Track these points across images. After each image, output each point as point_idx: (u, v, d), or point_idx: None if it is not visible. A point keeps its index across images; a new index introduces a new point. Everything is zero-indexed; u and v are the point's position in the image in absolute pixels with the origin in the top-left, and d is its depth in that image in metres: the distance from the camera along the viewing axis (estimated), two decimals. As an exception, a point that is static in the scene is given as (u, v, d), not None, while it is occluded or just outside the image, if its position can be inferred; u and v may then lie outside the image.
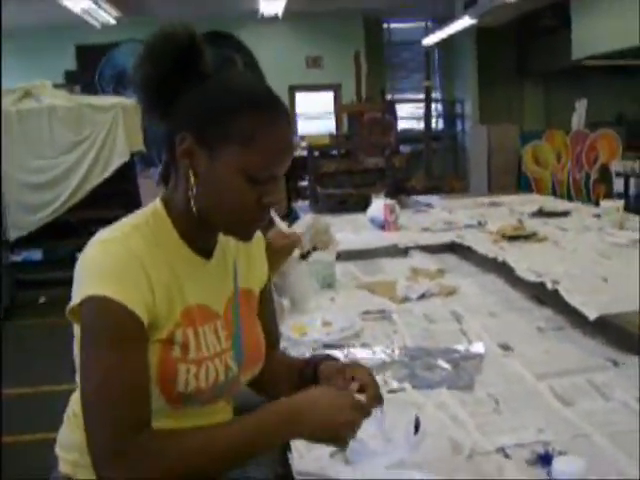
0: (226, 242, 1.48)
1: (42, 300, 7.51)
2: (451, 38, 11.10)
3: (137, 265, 1.27)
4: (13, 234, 7.51)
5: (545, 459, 1.43)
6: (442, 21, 10.91)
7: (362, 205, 4.48)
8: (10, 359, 5.78)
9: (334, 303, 2.77)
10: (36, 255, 8.56)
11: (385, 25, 12.58)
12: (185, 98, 1.32)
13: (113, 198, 7.89)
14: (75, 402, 1.45)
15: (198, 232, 1.39)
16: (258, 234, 1.56)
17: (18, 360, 5.76)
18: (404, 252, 3.56)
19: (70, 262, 5.73)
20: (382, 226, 4.09)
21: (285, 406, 1.29)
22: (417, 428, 1.48)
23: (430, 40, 11.44)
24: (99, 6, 9.58)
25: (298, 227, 2.72)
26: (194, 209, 1.33)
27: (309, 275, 2.73)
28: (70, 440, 1.46)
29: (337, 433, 1.27)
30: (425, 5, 11.06)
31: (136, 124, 7.77)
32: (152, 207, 1.39)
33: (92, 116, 7.70)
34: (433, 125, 12.03)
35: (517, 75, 11.52)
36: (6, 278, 7.04)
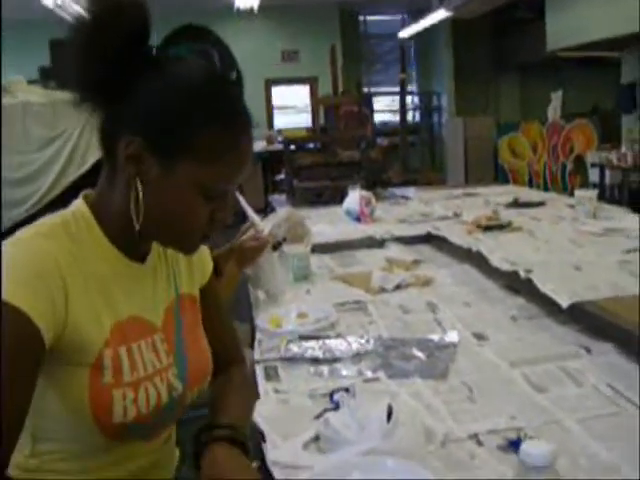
0: (156, 247, 1.37)
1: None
2: (427, 31, 11.11)
3: (52, 272, 1.12)
4: (-9, 230, 7.45)
5: (516, 445, 1.44)
6: (418, 14, 10.93)
7: (338, 198, 4.49)
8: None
9: (310, 295, 2.77)
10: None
11: (361, 18, 12.58)
12: (135, 91, 1.16)
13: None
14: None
15: (132, 238, 1.25)
16: None
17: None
18: (380, 244, 3.57)
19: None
20: (358, 218, 4.10)
21: None
22: (390, 416, 1.49)
23: (406, 33, 11.45)
24: (73, 1, 9.52)
25: (273, 219, 2.73)
26: (136, 219, 1.19)
27: (284, 267, 2.74)
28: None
29: None
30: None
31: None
32: (72, 208, 1.27)
33: (68, 111, 7.62)
34: (410, 118, 12.08)
35: (493, 67, 11.57)
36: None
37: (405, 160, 10.07)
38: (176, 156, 1.16)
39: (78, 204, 1.27)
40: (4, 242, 1.15)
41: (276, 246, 2.70)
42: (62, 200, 5.25)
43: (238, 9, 10.77)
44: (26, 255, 1.12)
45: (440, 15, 9.78)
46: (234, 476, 1.22)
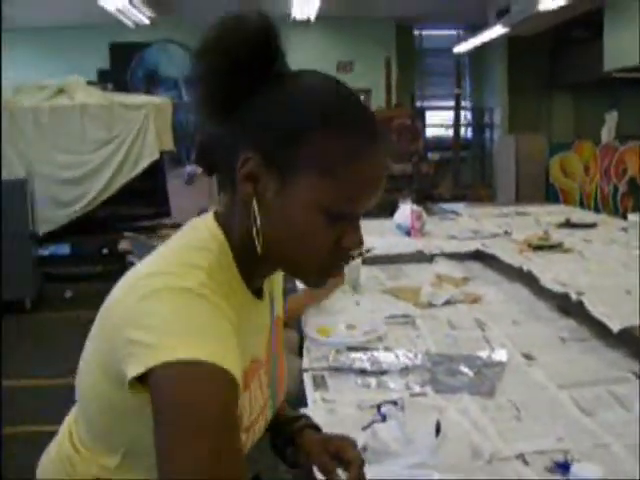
0: None
1: (68, 294, 7.59)
2: (482, 46, 11.09)
3: (224, 320, 1.00)
4: (42, 228, 7.59)
5: (564, 467, 1.45)
6: (474, 29, 10.91)
7: (388, 210, 4.50)
8: (35, 351, 5.88)
9: (359, 306, 2.80)
10: (63, 250, 8.65)
11: (417, 32, 12.59)
12: (254, 104, 1.05)
13: (141, 196, 8.01)
14: (70, 445, 1.19)
15: (256, 269, 1.13)
16: None
17: (43, 352, 5.85)
18: (429, 259, 3.58)
19: (96, 257, 5.88)
20: (408, 232, 4.11)
21: None
22: (438, 431, 1.51)
23: (461, 48, 11.43)
24: (134, 6, 9.68)
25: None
26: (258, 247, 1.06)
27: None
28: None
29: None
30: (457, 13, 11.06)
31: (167, 123, 7.88)
32: (206, 233, 1.10)
33: (123, 114, 7.79)
34: (462, 133, 12.02)
35: (547, 85, 11.46)
36: (34, 272, 7.13)
37: (456, 176, 10.05)
38: (294, 172, 1.02)
39: (211, 226, 1.11)
40: (155, 270, 1.03)
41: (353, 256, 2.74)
42: (113, 202, 5.39)
43: (294, 19, 10.86)
44: (198, 298, 0.98)
45: (497, 32, 9.76)
46: (340, 441, 1.30)
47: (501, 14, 9.54)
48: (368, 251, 3.05)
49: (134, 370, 0.94)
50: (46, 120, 7.71)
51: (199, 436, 0.90)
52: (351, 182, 1.01)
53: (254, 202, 1.03)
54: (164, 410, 0.93)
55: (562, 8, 7.99)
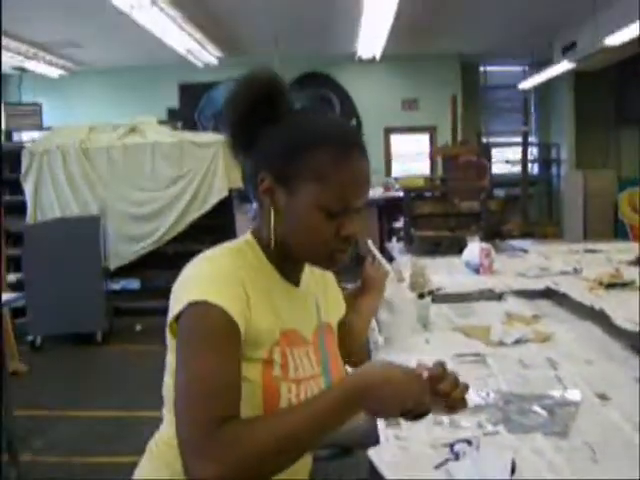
0: (306, 278, 1.54)
1: (138, 328, 7.74)
2: (548, 81, 11.05)
3: (238, 280, 1.32)
4: (113, 263, 7.77)
5: (642, 509, 1.44)
6: (539, 64, 10.89)
7: (456, 248, 4.51)
8: (104, 382, 6.00)
9: (428, 344, 2.80)
10: (133, 284, 8.83)
11: (482, 68, 12.61)
12: (264, 137, 1.39)
13: (210, 232, 8.11)
14: (161, 442, 1.45)
15: (286, 262, 1.45)
16: (329, 274, 1.65)
17: (112, 384, 5.97)
18: (498, 296, 3.57)
19: (165, 292, 5.91)
20: (477, 270, 4.11)
21: (349, 383, 1.22)
22: (513, 471, 1.51)
23: (527, 84, 11.40)
24: (203, 47, 9.93)
25: (399, 266, 2.79)
26: (272, 243, 1.39)
27: (414, 316, 2.79)
28: (157, 478, 1.43)
29: (403, 406, 1.22)
30: (522, 49, 11.06)
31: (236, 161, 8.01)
32: (244, 238, 1.46)
33: (193, 152, 7.96)
34: (528, 169, 11.95)
35: (615, 120, 11.34)
36: (105, 306, 7.29)
37: (525, 212, 9.97)
38: (296, 183, 1.35)
39: (247, 235, 1.47)
40: (200, 257, 1.38)
41: (422, 295, 2.77)
42: (182, 238, 5.51)
43: (360, 58, 10.99)
44: (221, 267, 1.33)
45: (563, 67, 9.72)
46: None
47: (567, 49, 9.52)
48: (439, 290, 3.07)
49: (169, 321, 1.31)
50: (119, 158, 7.93)
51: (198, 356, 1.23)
52: (339, 184, 1.33)
53: (271, 210, 1.37)
54: (180, 338, 1.27)
55: (628, 43, 7.93)
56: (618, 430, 1.88)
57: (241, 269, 1.35)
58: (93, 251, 7.20)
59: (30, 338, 7.09)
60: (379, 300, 2.65)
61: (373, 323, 2.76)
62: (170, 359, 1.36)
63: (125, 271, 8.12)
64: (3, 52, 9.61)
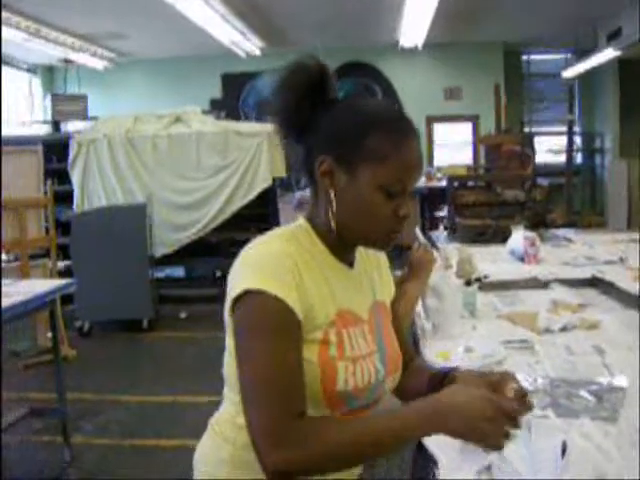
0: (360, 257, 1.57)
1: (183, 315, 7.85)
2: (592, 70, 10.94)
3: (292, 264, 1.35)
4: (158, 251, 7.88)
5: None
6: (583, 53, 10.79)
7: (500, 237, 4.53)
8: (151, 368, 6.11)
9: (475, 331, 2.84)
10: (178, 272, 8.95)
11: (525, 57, 12.52)
12: (319, 122, 1.42)
13: (253, 221, 8.20)
14: (223, 420, 1.52)
15: (340, 244, 1.48)
16: (383, 256, 1.67)
17: (158, 369, 6.08)
18: (544, 285, 3.59)
19: (209, 280, 6.13)
20: (522, 258, 4.13)
21: (428, 403, 1.28)
22: (564, 452, 1.55)
23: (570, 72, 11.30)
24: (246, 37, 10.00)
25: (445, 253, 2.82)
26: (332, 224, 1.42)
27: (460, 303, 2.83)
28: (218, 457, 1.50)
29: (481, 433, 1.24)
30: (566, 37, 10.96)
31: (279, 150, 8.05)
32: (296, 224, 1.50)
33: (238, 142, 8.03)
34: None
35: (660, 108, 11.19)
36: (151, 293, 7.40)
37: (569, 202, 9.91)
38: (358, 164, 1.38)
39: (301, 220, 1.50)
40: (255, 242, 1.42)
41: (469, 281, 2.81)
42: (227, 227, 5.58)
43: (402, 47, 10.98)
44: (276, 253, 1.36)
45: (607, 55, 9.63)
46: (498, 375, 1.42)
47: (611, 37, 9.42)
48: (486, 277, 3.10)
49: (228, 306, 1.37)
50: (164, 147, 8.04)
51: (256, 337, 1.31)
52: (399, 165, 1.37)
53: (330, 191, 1.41)
54: (240, 327, 1.34)
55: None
56: (666, 415, 1.91)
57: (296, 253, 1.38)
58: (139, 239, 7.30)
59: (78, 324, 7.23)
60: (425, 285, 2.69)
61: (419, 309, 2.81)
62: (229, 340, 1.44)
63: (169, 259, 8.23)
64: (50, 45, 9.77)
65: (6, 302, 3.65)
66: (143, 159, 8.07)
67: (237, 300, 1.33)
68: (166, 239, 8.00)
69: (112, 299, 7.11)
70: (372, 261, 1.62)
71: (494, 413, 1.23)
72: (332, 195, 1.41)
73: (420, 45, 10.77)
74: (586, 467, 1.61)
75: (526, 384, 2.17)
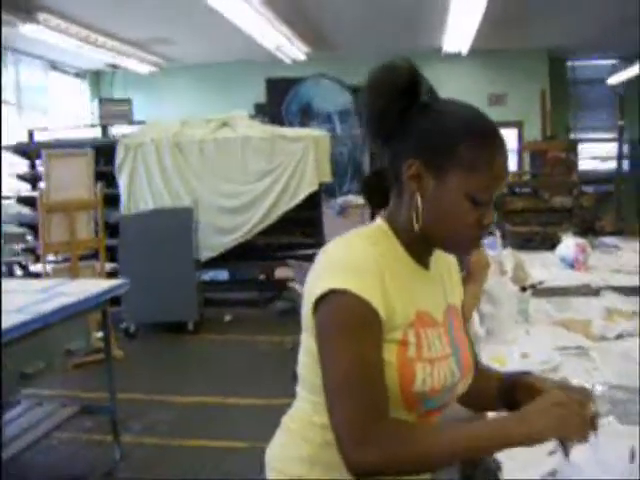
0: (434, 262, 1.56)
1: (228, 318, 7.91)
2: (638, 76, 10.83)
3: (377, 267, 1.36)
4: (204, 255, 7.94)
5: None
6: (629, 59, 10.68)
7: (549, 243, 4.51)
8: (197, 370, 6.18)
9: (529, 336, 2.84)
10: (222, 275, 9.01)
11: (570, 63, 12.43)
12: (411, 126, 1.41)
13: (299, 225, 8.24)
14: (299, 418, 1.51)
15: (419, 246, 1.48)
16: (452, 259, 1.66)
17: (204, 371, 6.14)
18: (596, 292, 3.57)
19: (253, 284, 6.15)
20: (572, 265, 4.11)
21: (515, 412, 1.32)
22: (632, 457, 1.55)
23: (616, 79, 11.20)
24: (291, 43, 10.06)
25: (500, 259, 2.84)
26: (416, 227, 1.41)
27: (515, 308, 2.83)
28: (295, 455, 1.49)
29: (568, 425, 1.26)
30: (612, 43, 10.86)
31: (325, 155, 8.10)
32: (375, 225, 1.49)
33: (284, 146, 8.07)
34: (616, 166, 11.76)
35: None
36: (197, 296, 7.47)
37: (619, 209, 9.80)
38: (448, 171, 1.38)
39: (378, 222, 1.50)
40: (330, 244, 1.45)
41: (525, 288, 2.81)
42: (271, 231, 5.60)
43: (446, 52, 10.97)
44: (360, 254, 1.38)
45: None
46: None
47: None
48: (540, 283, 3.10)
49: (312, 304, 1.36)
50: (211, 151, 8.10)
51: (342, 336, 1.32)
52: (489, 175, 1.38)
53: (417, 195, 1.41)
54: (323, 326, 1.35)
55: None
56: None
57: (378, 254, 1.39)
58: (186, 242, 7.38)
59: (124, 325, 7.32)
60: (481, 289, 2.71)
61: (474, 315, 2.82)
62: (308, 340, 1.43)
63: (214, 262, 8.28)
64: (99, 50, 9.91)
65: (61, 301, 3.73)
66: (190, 163, 8.13)
67: (321, 299, 1.33)
68: (211, 242, 8.03)
69: (158, 301, 7.18)
70: (444, 263, 1.62)
71: (577, 407, 1.28)
72: (419, 198, 1.41)
73: (464, 51, 10.74)
74: (651, 473, 1.61)
75: (584, 390, 2.17)
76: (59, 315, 3.58)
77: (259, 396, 5.33)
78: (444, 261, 1.63)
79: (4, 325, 3.19)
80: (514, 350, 2.58)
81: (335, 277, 1.33)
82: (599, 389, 2.18)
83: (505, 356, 2.52)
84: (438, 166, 1.39)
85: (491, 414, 1.64)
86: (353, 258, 1.37)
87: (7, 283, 4.26)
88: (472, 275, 2.59)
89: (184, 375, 6.08)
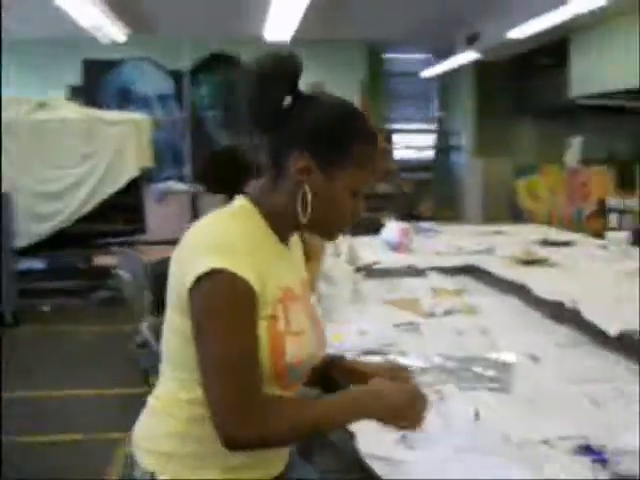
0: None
1: (46, 308, 7.63)
2: (450, 71, 11.36)
3: (247, 243, 1.40)
4: (20, 242, 7.60)
5: (587, 449, 1.62)
6: (442, 54, 11.18)
7: (374, 228, 4.67)
8: (15, 364, 5.92)
9: (364, 316, 2.95)
10: (39, 264, 8.66)
11: (387, 55, 12.83)
12: (294, 116, 1.45)
13: (117, 212, 8.05)
14: (163, 396, 1.51)
15: (284, 227, 1.52)
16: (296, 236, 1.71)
17: (27, 364, 5.90)
18: (420, 273, 3.75)
19: (72, 272, 5.95)
20: (395, 248, 4.29)
21: (360, 392, 1.47)
22: (476, 416, 1.67)
23: (430, 72, 11.71)
24: (110, 22, 9.75)
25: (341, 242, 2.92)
26: (303, 218, 1.46)
27: (351, 288, 2.93)
28: (163, 431, 1.49)
29: (404, 418, 1.43)
30: (427, 38, 11.31)
31: (146, 140, 7.97)
32: (237, 204, 1.51)
33: (104, 130, 7.87)
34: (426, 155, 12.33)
35: (514, 110, 11.75)
36: (11, 286, 7.15)
37: (435, 196, 10.25)
38: (337, 167, 1.45)
39: (241, 202, 1.51)
40: (198, 223, 1.46)
41: (360, 268, 2.90)
42: (90, 217, 5.44)
43: (266, 41, 11.03)
44: (232, 232, 1.41)
45: (466, 57, 10.04)
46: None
47: (470, 40, 9.82)
48: (375, 264, 3.20)
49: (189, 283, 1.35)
50: (26, 134, 7.75)
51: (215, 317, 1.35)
52: (372, 171, 1.49)
53: (306, 187, 1.45)
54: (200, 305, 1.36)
55: (530, 36, 8.28)
56: (553, 385, 2.08)
57: (248, 232, 1.43)
58: (1, 229, 7.04)
59: None
60: (318, 268, 2.79)
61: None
62: (178, 318, 1.43)
63: (31, 250, 7.93)
64: None
65: None
66: (4, 146, 7.75)
67: (199, 278, 1.34)
68: (28, 229, 7.65)
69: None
70: (293, 240, 1.66)
71: (415, 400, 1.44)
72: (308, 192, 1.44)
73: (287, 40, 10.85)
74: (491, 431, 1.74)
75: (422, 363, 2.30)
76: None
77: (89, 387, 5.20)
78: (295, 238, 1.68)
79: None
80: (352, 328, 2.67)
81: (212, 255, 1.35)
82: (436, 360, 2.31)
83: (343, 334, 2.60)
84: (329, 162, 1.44)
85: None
86: (226, 237, 1.40)
87: None
88: (311, 252, 2.66)
89: (5, 369, 5.81)
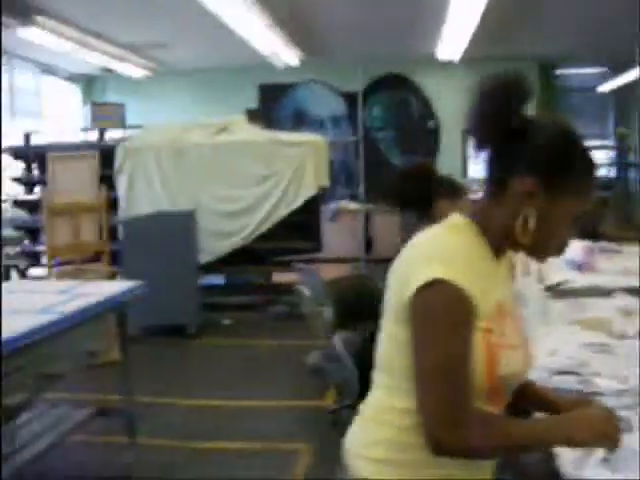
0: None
1: (227, 322, 7.95)
2: (628, 84, 10.98)
3: (471, 259, 1.46)
4: (202, 259, 7.97)
5: None
6: (618, 67, 10.83)
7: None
8: (200, 372, 6.22)
9: (552, 335, 2.92)
10: (220, 280, 9.04)
11: (559, 71, 12.56)
12: (521, 138, 1.49)
13: (294, 230, 8.28)
14: (376, 404, 1.57)
15: (500, 244, 1.55)
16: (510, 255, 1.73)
17: (207, 374, 6.18)
18: (608, 293, 3.65)
19: (250, 288, 6.17)
20: (579, 267, 4.20)
21: (564, 416, 1.55)
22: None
23: (607, 87, 11.35)
24: (284, 48, 10.09)
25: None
26: (523, 239, 1.49)
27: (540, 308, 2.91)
28: (370, 438, 1.56)
29: (604, 436, 1.44)
30: (602, 52, 10.99)
31: (323, 159, 8.17)
32: (454, 220, 1.56)
33: (283, 151, 8.13)
34: (605, 172, 11.91)
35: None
36: (198, 299, 7.51)
37: (619, 214, 9.91)
38: (564, 193, 1.47)
39: (457, 219, 1.56)
40: (417, 238, 1.53)
41: (551, 287, 2.88)
42: (269, 235, 5.63)
43: (438, 60, 11.05)
44: (455, 246, 1.48)
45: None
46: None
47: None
48: (566, 282, 3.17)
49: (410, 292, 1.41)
50: (210, 156, 8.15)
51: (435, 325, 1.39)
52: (589, 198, 1.51)
53: (531, 211, 1.47)
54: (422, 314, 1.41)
55: None
56: None
57: (467, 247, 1.49)
58: (187, 246, 7.42)
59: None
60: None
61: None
62: (395, 327, 1.49)
63: (212, 266, 8.30)
64: (91, 54, 9.90)
65: (85, 301, 3.74)
66: (189, 167, 8.16)
67: (422, 288, 1.39)
68: (210, 246, 8.06)
69: (159, 305, 7.17)
70: (505, 258, 1.67)
71: (611, 418, 1.47)
72: (532, 214, 1.47)
73: (457, 58, 10.84)
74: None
75: (617, 384, 2.25)
76: (83, 315, 3.60)
77: (264, 398, 5.40)
78: (506, 256, 1.69)
79: (29, 325, 3.20)
80: (541, 347, 2.66)
81: (433, 266, 1.41)
82: (632, 382, 2.26)
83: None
84: (554, 186, 1.47)
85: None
86: (447, 248, 1.47)
87: (24, 284, 4.29)
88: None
89: (188, 378, 6.12)
